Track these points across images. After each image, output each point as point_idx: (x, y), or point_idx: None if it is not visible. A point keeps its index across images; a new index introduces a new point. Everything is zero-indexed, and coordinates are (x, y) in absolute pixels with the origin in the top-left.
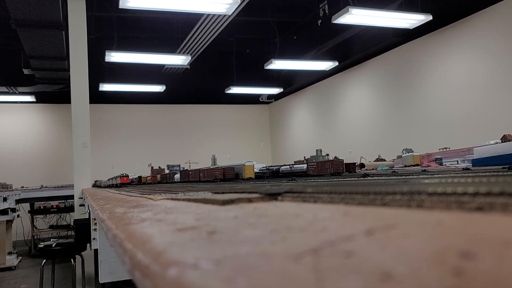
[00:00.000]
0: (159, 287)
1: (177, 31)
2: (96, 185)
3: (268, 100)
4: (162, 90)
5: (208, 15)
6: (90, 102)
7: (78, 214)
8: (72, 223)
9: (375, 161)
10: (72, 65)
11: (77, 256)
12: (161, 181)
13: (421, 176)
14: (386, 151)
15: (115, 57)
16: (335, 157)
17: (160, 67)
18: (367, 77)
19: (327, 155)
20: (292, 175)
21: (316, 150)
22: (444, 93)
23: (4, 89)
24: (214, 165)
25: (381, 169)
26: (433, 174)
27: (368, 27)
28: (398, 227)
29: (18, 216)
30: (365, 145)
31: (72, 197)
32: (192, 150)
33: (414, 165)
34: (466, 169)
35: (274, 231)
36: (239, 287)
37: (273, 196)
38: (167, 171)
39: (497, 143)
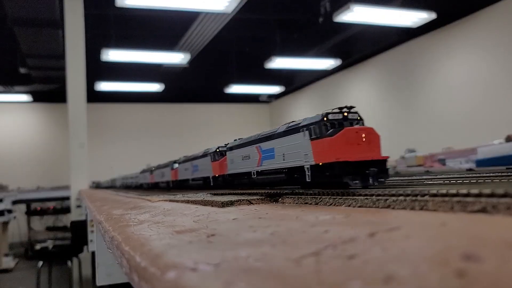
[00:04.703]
0: None
1: (176, 30)
2: (103, 186)
3: (267, 100)
4: (160, 89)
5: (207, 13)
6: (87, 101)
7: (75, 215)
8: (68, 224)
9: None
10: (68, 64)
11: (74, 258)
12: None
13: (424, 177)
14: (388, 151)
15: (112, 55)
16: None
17: (158, 66)
18: (369, 75)
19: None
20: None
21: None
22: (448, 91)
23: (0, 88)
24: None
25: None
26: (436, 175)
27: (370, 25)
28: (401, 228)
29: (14, 217)
30: None
31: (68, 198)
32: (192, 149)
33: (417, 166)
34: (470, 169)
35: (275, 234)
36: None
37: (273, 197)
38: None
39: (501, 143)
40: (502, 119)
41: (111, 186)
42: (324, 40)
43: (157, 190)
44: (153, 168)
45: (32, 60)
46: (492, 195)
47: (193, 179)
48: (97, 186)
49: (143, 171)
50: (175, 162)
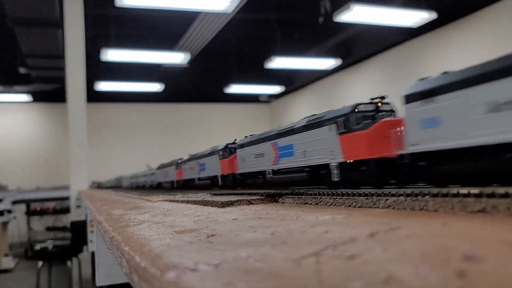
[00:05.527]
0: None
1: (176, 30)
2: (105, 186)
3: (267, 100)
4: (160, 89)
5: (208, 13)
6: (87, 101)
7: (75, 215)
8: (68, 225)
9: None
10: (68, 64)
11: (74, 258)
12: None
13: None
14: None
15: (112, 55)
16: None
17: (158, 66)
18: (370, 75)
19: None
20: None
21: None
22: None
23: (0, 88)
24: None
25: None
26: None
27: (370, 25)
28: (401, 228)
29: (14, 217)
30: None
31: (68, 198)
32: (191, 149)
33: None
34: None
35: (275, 234)
36: None
37: (273, 197)
38: None
39: None
40: None
41: (116, 186)
42: (324, 40)
43: (187, 190)
44: (180, 161)
45: (32, 60)
46: (492, 195)
47: (290, 171)
48: (98, 186)
49: (161, 167)
50: (228, 147)
